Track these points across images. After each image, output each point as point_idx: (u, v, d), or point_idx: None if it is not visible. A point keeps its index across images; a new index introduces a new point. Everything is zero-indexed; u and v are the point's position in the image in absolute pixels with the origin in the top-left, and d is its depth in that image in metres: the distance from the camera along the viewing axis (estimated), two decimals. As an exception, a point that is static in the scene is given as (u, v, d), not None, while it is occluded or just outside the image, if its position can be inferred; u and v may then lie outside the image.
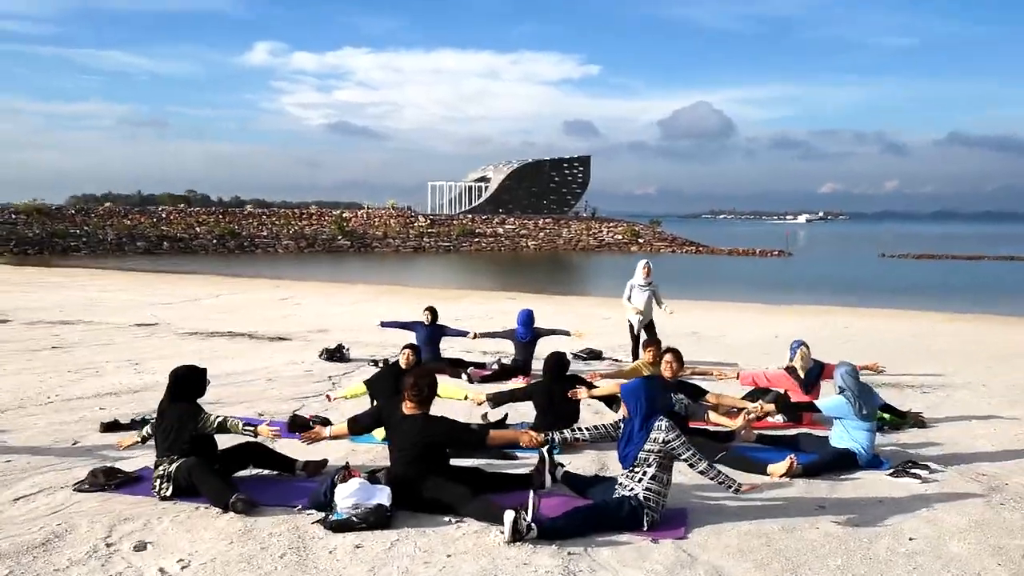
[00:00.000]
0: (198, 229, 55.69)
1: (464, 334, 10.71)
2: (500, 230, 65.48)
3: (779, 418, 7.61)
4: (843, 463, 6.26)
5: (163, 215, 56.97)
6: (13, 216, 50.75)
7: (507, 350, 11.07)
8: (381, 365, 10.60)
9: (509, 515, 4.32)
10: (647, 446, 4.73)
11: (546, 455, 5.30)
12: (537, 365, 9.62)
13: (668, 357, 6.62)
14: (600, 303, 22.88)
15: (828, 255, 62.78)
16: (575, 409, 6.68)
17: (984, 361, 12.91)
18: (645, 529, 4.60)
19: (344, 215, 62.92)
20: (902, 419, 7.41)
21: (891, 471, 6.14)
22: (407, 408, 4.95)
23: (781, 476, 5.91)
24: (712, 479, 4.76)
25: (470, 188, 73.53)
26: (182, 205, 60.58)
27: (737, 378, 8.19)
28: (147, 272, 33.70)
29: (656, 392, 4.90)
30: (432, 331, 10.50)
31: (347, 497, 4.49)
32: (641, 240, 67.17)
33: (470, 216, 67.42)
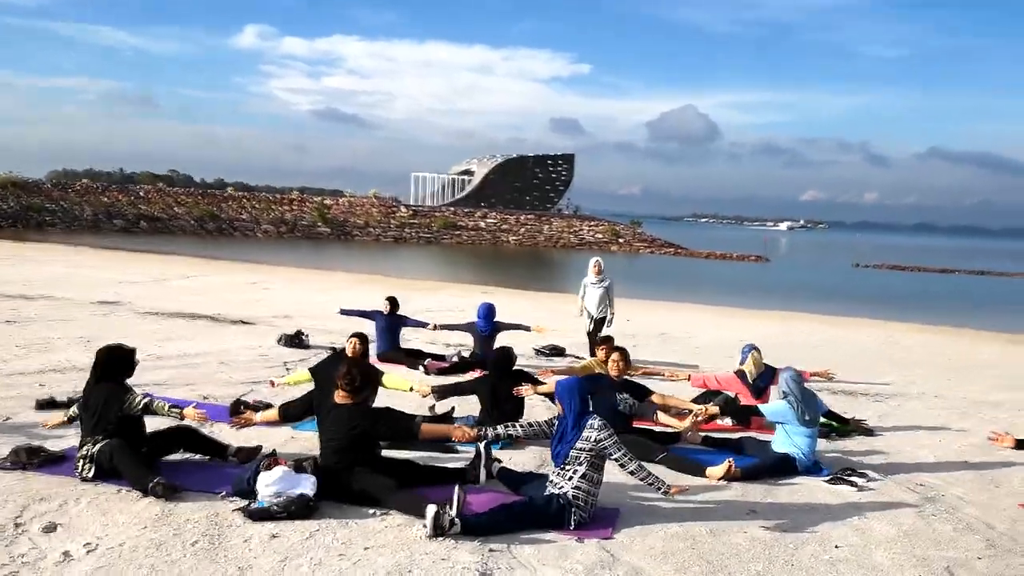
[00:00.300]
0: (177, 210, 55.19)
1: (424, 325, 10.64)
2: (482, 224, 65.38)
3: (728, 421, 7.62)
4: (783, 468, 6.25)
5: (142, 194, 56.38)
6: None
7: (468, 343, 11.01)
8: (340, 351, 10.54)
9: (431, 509, 4.26)
10: (579, 444, 4.69)
11: (482, 450, 5.25)
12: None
13: (615, 356, 6.59)
14: (573, 300, 22.85)
15: (804, 262, 63.21)
16: (519, 405, 6.63)
17: (943, 372, 13.00)
18: (572, 528, 4.55)
19: (326, 202, 62.56)
20: (845, 426, 7.42)
21: (829, 478, 6.13)
22: (339, 397, 4.87)
23: (719, 479, 5.89)
24: (642, 480, 4.72)
25: (453, 181, 73.38)
26: (161, 185, 59.93)
27: (688, 380, 8.18)
28: (120, 250, 33.33)
29: (588, 391, 4.85)
30: (391, 321, 10.42)
31: (269, 485, 4.42)
32: (621, 240, 67.27)
33: (452, 209, 67.27)
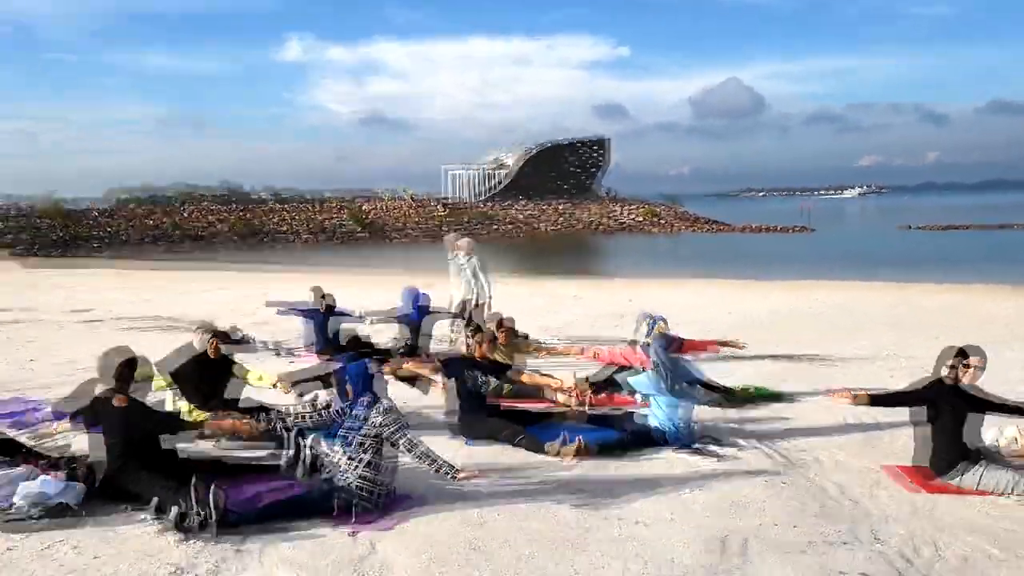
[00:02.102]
0: (218, 226, 56.35)
1: (360, 318, 10.47)
2: (519, 216, 65.17)
3: (638, 396, 7.26)
4: (650, 440, 5.93)
5: (183, 213, 57.73)
6: (37, 220, 51.90)
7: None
8: (284, 353, 10.45)
9: (175, 510, 4.09)
10: (364, 430, 4.46)
11: (301, 442, 5.06)
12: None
13: (477, 337, 6.32)
14: (576, 283, 22.63)
15: (849, 230, 61.24)
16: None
17: (941, 332, 12.35)
18: (353, 520, 4.33)
19: (363, 207, 63.08)
20: (727, 394, 6.98)
21: (691, 449, 5.78)
22: (117, 400, 4.72)
23: (572, 457, 5.57)
24: (429, 466, 4.48)
25: (487, 173, 73.10)
26: (205, 204, 60.90)
27: (594, 356, 7.84)
28: (154, 269, 34.08)
29: (377, 375, 4.61)
30: (328, 318, 10.27)
31: (28, 495, 4.29)
32: (661, 220, 66.31)
33: (487, 203, 67.20)
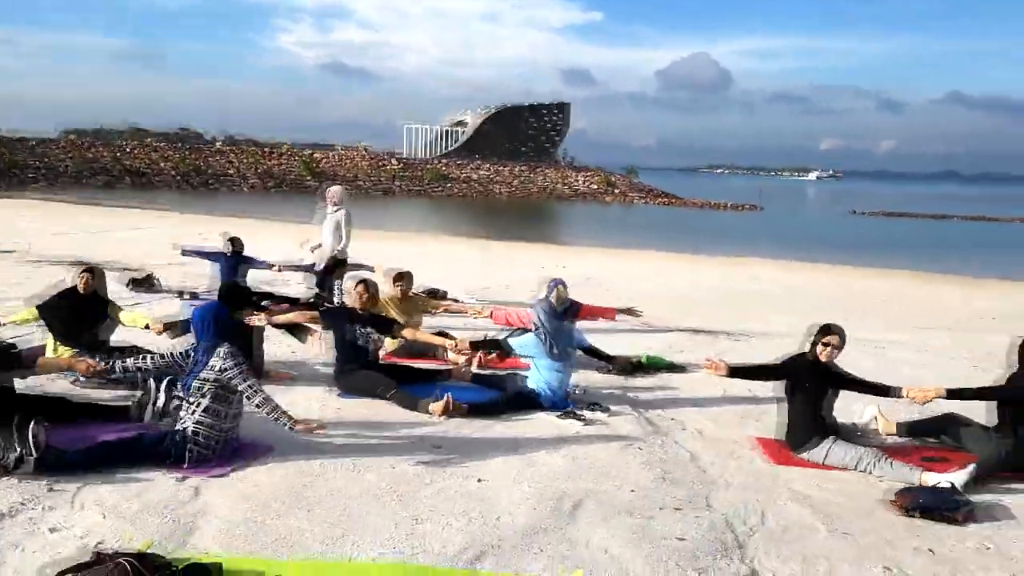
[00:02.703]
0: (162, 164, 54.94)
1: (269, 266, 10.28)
2: (473, 176, 64.72)
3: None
4: (525, 403, 5.91)
5: (127, 149, 56.12)
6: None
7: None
8: (187, 297, 10.22)
9: None
10: (203, 374, 4.34)
11: (152, 385, 4.93)
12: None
13: (359, 289, 6.20)
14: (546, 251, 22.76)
15: (799, 211, 62.08)
16: (249, 341, 6.22)
17: (851, 312, 12.60)
18: (186, 466, 4.22)
19: (314, 156, 62.04)
20: (609, 362, 6.99)
21: (564, 412, 5.78)
22: None
23: (440, 415, 5.53)
24: (268, 414, 4.37)
25: (446, 132, 72.41)
26: (149, 140, 59.49)
27: (491, 316, 7.78)
28: (88, 204, 33.14)
29: (224, 318, 4.47)
30: (235, 263, 10.04)
31: None
32: (616, 190, 66.49)
33: (444, 161, 66.58)
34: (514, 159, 69.67)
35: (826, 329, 5.28)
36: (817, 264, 22.80)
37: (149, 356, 4.66)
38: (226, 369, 4.34)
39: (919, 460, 5.17)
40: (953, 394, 5.27)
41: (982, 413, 5.46)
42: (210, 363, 4.37)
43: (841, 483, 4.76)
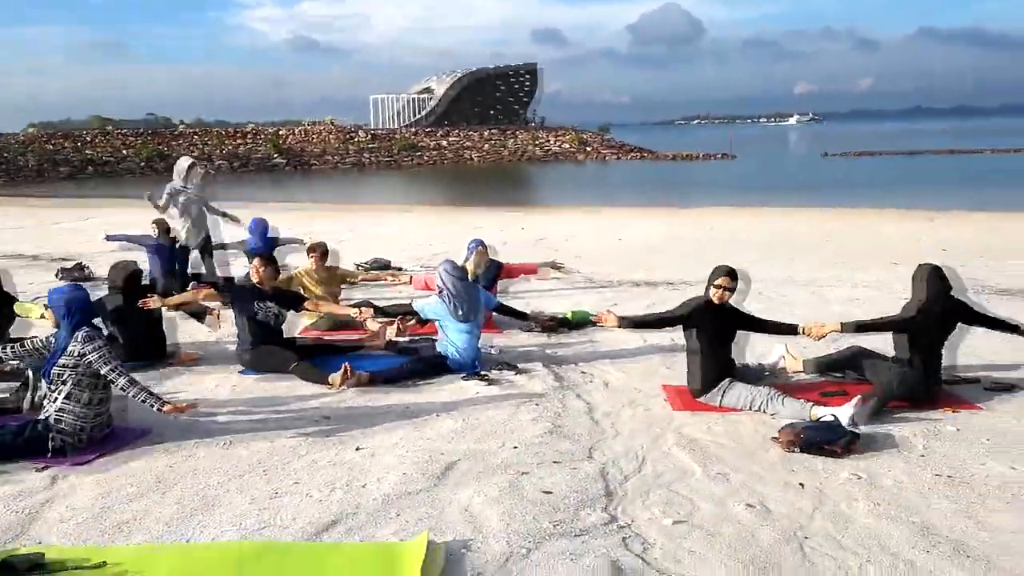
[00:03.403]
0: (125, 152, 54.12)
1: (200, 247, 10.09)
2: (444, 143, 64.12)
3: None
4: (432, 367, 5.84)
5: (88, 138, 55.21)
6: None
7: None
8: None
9: None
10: (62, 360, 4.24)
11: (30, 375, 4.82)
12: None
13: (256, 263, 6.07)
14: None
15: (770, 157, 61.93)
16: (148, 318, 6.08)
17: (803, 253, 12.62)
18: (49, 455, 4.13)
19: (280, 132, 61.28)
20: (524, 319, 6.91)
21: (473, 374, 5.72)
22: None
23: (340, 385, 5.45)
24: (134, 397, 4.27)
25: (414, 100, 71.60)
26: (109, 127, 58.51)
27: (410, 282, 7.69)
28: (48, 198, 32.64)
29: (79, 302, 4.35)
30: (167, 247, 9.85)
31: None
32: (588, 148, 66.07)
33: (413, 130, 65.90)
34: (484, 124, 69.05)
35: (720, 271, 5.21)
36: (778, 209, 22.77)
37: (10, 345, 4.54)
38: (85, 353, 4.23)
39: (819, 396, 5.15)
40: (847, 327, 5.23)
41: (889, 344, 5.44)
42: (68, 348, 4.26)
43: (734, 425, 4.73)
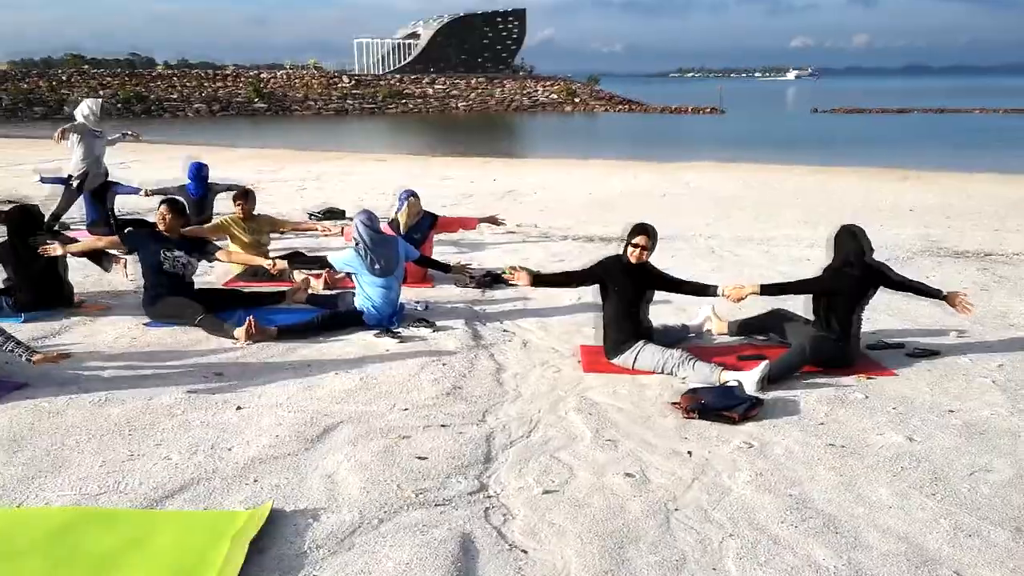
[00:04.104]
0: (101, 92, 52.95)
1: (136, 191, 9.85)
2: (429, 90, 63.13)
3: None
4: (346, 322, 5.65)
5: (64, 78, 54.02)
6: None
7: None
8: (56, 227, 9.79)
9: None
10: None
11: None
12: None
13: (162, 209, 5.82)
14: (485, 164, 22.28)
15: (760, 112, 61.32)
16: (47, 263, 5.83)
17: (766, 210, 12.44)
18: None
19: (261, 76, 60.14)
20: (447, 272, 6.68)
21: (384, 330, 5.54)
22: None
23: (245, 340, 5.26)
24: (1, 348, 4.06)
25: (399, 45, 70.24)
26: (85, 67, 57.30)
27: (342, 233, 7.47)
28: (20, 138, 31.91)
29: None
30: (98, 189, 9.61)
31: None
32: (577, 99, 65.23)
33: (398, 76, 64.78)
34: (471, 72, 67.91)
35: (636, 229, 5.01)
36: (756, 165, 22.49)
37: None
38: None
39: (736, 359, 5.01)
40: (766, 289, 5.08)
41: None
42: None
43: (641, 388, 4.58)
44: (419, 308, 6.24)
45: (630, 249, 4.96)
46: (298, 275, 6.59)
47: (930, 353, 5.16)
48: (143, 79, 56.03)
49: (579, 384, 4.66)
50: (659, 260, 8.45)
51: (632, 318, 4.97)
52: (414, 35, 70.31)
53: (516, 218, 11.65)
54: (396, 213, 7.27)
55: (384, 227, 7.27)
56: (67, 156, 9.63)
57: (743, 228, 10.75)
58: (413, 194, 7.36)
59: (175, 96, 54.81)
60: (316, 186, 15.73)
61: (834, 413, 4.19)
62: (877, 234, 10.14)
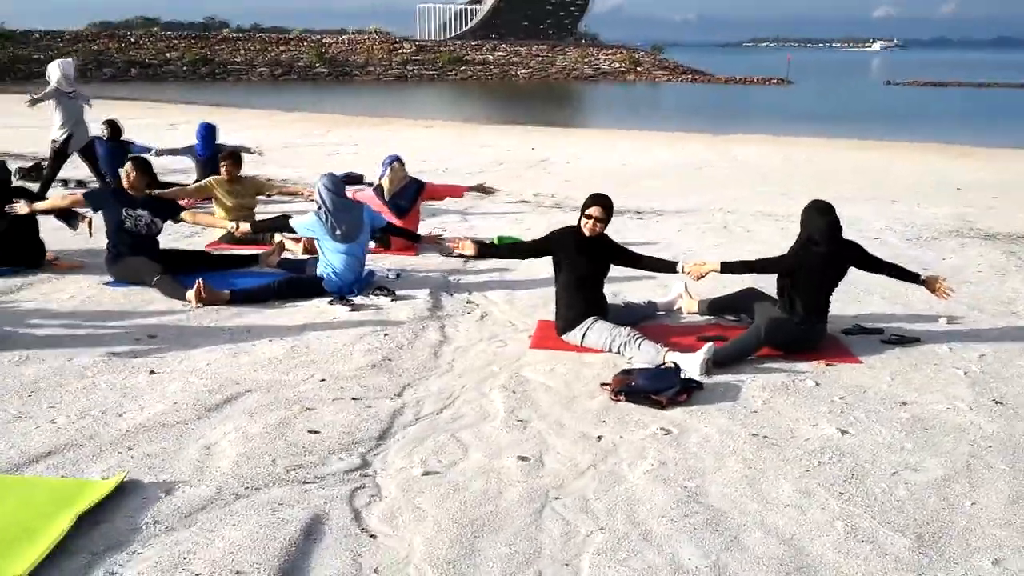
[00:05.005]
0: (169, 55, 54.08)
1: (148, 151, 9.89)
2: (490, 57, 62.59)
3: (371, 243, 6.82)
4: (304, 289, 5.54)
5: (132, 40, 55.22)
6: (-27, 40, 49.54)
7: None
8: (72, 185, 9.97)
9: None
10: None
11: None
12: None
13: (127, 167, 5.78)
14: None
15: (830, 84, 59.11)
16: (19, 221, 5.86)
17: (796, 186, 11.95)
18: None
19: (324, 41, 60.47)
20: (416, 241, 6.49)
21: (340, 297, 5.42)
22: None
23: (197, 303, 5.21)
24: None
25: (462, 11, 69.75)
26: (155, 29, 58.50)
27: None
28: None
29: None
30: (114, 147, 9.72)
31: None
32: (640, 68, 63.94)
33: (459, 43, 64.40)
34: (533, 39, 67.08)
35: (592, 200, 4.76)
36: (808, 139, 21.60)
37: None
38: None
39: (695, 339, 4.74)
40: (728, 267, 4.78)
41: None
42: None
43: (582, 367, 4.37)
44: (390, 276, 6.10)
45: (583, 220, 4.72)
46: (283, 240, 6.52)
47: (908, 340, 4.80)
48: (209, 42, 56.87)
49: (519, 360, 4.47)
50: (665, 233, 8.29)
51: (584, 293, 4.74)
52: (477, 0, 69.67)
53: (537, 188, 11.44)
54: (380, 179, 7.12)
55: (368, 193, 7.17)
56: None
57: (768, 204, 10.31)
58: (397, 159, 7.19)
59: (239, 60, 55.55)
60: (352, 151, 15.71)
61: (773, 401, 3.91)
62: (911, 213, 9.74)
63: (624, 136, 21.96)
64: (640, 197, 10.63)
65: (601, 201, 4.72)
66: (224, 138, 10.18)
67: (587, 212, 4.70)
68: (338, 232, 5.61)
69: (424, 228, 8.05)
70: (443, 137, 19.67)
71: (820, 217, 4.54)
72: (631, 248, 5.07)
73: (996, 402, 3.91)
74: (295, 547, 2.60)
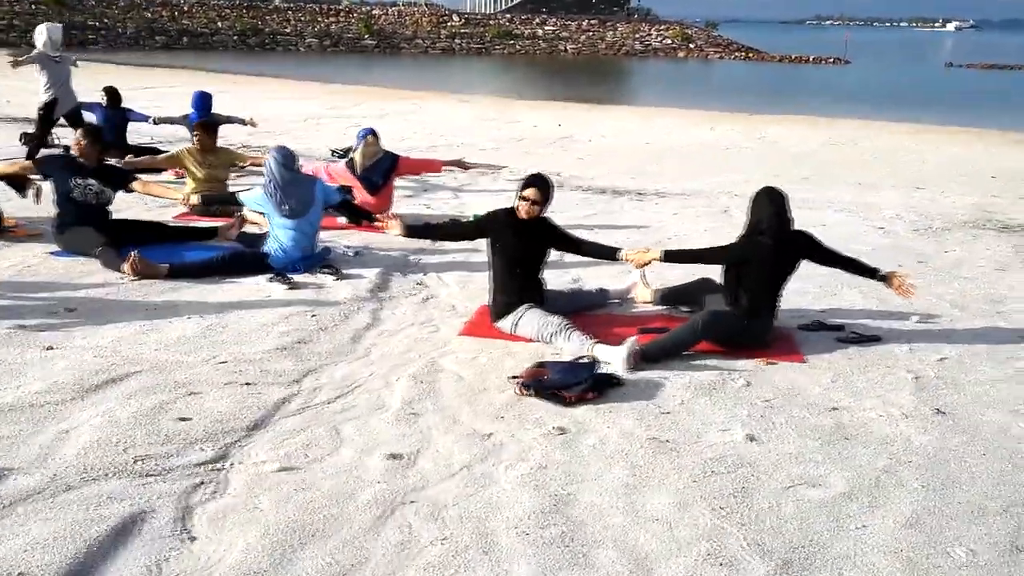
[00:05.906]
0: (219, 24, 54.55)
1: (146, 119, 9.90)
2: (539, 31, 61.85)
3: (343, 219, 6.66)
4: (248, 265, 5.38)
5: (184, 8, 55.81)
6: (33, 6, 50.42)
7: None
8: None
9: None
10: None
11: None
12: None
13: (78, 135, 5.68)
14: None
15: (888, 64, 57.04)
16: None
17: (819, 170, 11.49)
18: None
19: (373, 13, 60.42)
20: (372, 222, 6.25)
21: (271, 276, 5.24)
22: None
23: (132, 275, 5.09)
24: None
25: (513, -16, 68.97)
26: None
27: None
28: (139, 67, 33.25)
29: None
30: (113, 114, 9.73)
31: None
32: (692, 45, 62.59)
33: (508, 16, 63.76)
34: (583, 13, 66.04)
35: (528, 181, 4.49)
36: (847, 120, 20.81)
37: None
38: None
39: (637, 331, 4.46)
40: (671, 256, 4.47)
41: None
42: None
43: (506, 357, 4.13)
44: (349, 254, 5.91)
45: (519, 203, 4.45)
46: (243, 214, 6.37)
47: (866, 339, 4.45)
48: (260, 12, 57.22)
49: (443, 348, 4.24)
50: (659, 216, 7.95)
51: (517, 279, 4.48)
52: (528, -27, 68.85)
53: (545, 166, 11.09)
54: (352, 152, 6.93)
55: (340, 167, 6.97)
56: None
57: (784, 190, 9.84)
58: (372, 132, 6.99)
59: (289, 30, 55.79)
60: (377, 124, 15.53)
61: (692, 402, 3.62)
62: (931, 202, 9.21)
63: (660, 114, 21.38)
64: (647, 178, 10.29)
65: (537, 183, 4.45)
66: (237, 110, 10.10)
67: (523, 194, 4.43)
68: (285, 207, 5.43)
69: (416, 203, 7.87)
70: (473, 112, 19.38)
71: (770, 206, 4.21)
72: (574, 233, 4.80)
73: (937, 411, 3.56)
74: (96, 548, 2.43)
